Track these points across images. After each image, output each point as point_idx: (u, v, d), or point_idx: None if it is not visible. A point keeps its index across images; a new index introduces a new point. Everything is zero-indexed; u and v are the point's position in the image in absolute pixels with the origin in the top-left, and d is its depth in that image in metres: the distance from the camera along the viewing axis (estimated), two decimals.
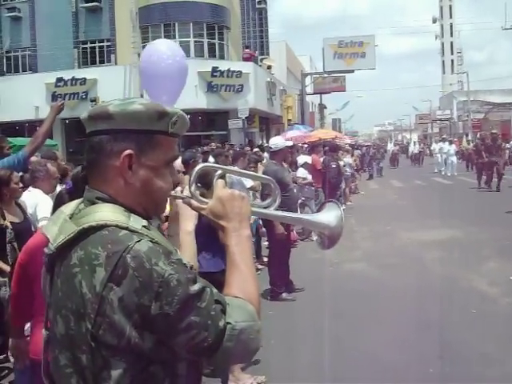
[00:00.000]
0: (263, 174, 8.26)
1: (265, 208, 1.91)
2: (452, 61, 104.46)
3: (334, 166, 11.88)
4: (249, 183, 8.33)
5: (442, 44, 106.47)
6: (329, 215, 1.95)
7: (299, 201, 9.95)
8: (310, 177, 11.43)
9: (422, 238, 11.26)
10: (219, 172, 1.81)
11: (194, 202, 1.77)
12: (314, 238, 2.08)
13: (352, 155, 20.68)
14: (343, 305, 7.08)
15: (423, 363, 5.20)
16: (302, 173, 11.33)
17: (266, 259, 8.90)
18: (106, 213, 1.49)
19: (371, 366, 5.28)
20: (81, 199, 1.60)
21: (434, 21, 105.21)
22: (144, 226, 1.49)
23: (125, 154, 1.51)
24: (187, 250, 2.06)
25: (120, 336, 1.39)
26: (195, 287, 1.42)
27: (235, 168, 2.21)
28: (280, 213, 2.01)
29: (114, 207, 1.51)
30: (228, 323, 1.44)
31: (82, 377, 1.43)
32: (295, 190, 8.01)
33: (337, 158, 12.63)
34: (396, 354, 5.44)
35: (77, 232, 1.47)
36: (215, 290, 1.48)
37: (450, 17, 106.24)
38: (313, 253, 10.19)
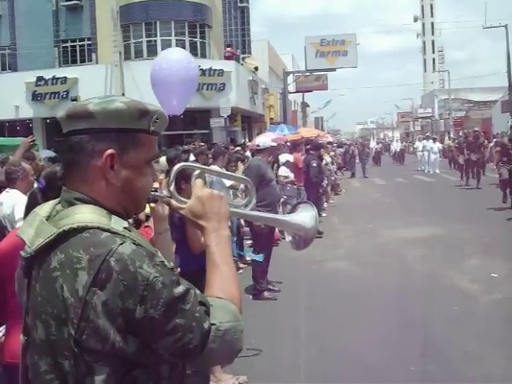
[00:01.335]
0: (246, 168, 8.30)
1: (242, 208, 1.89)
2: (433, 59, 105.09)
3: (314, 165, 11.86)
4: (228, 182, 8.32)
5: (424, 42, 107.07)
6: (304, 216, 1.92)
7: (281, 199, 9.91)
8: (292, 175, 11.42)
9: (405, 236, 11.29)
10: (197, 171, 1.78)
11: (173, 202, 1.75)
12: (288, 238, 2.05)
13: (329, 153, 20.66)
14: (325, 303, 7.09)
15: (405, 361, 5.20)
16: (284, 171, 11.32)
17: (248, 259, 8.87)
18: (87, 214, 1.45)
19: (353, 364, 5.27)
20: (56, 200, 1.56)
21: (416, 19, 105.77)
22: (125, 228, 1.47)
23: (107, 154, 1.48)
24: (163, 251, 2.03)
25: (104, 341, 1.36)
26: (179, 289, 1.41)
27: (214, 168, 2.19)
28: (257, 213, 1.99)
29: (94, 208, 1.48)
30: (212, 324, 1.43)
31: (64, 383, 1.39)
32: (278, 188, 8.02)
33: (319, 157, 12.62)
34: (378, 353, 5.44)
35: (56, 234, 1.43)
36: (198, 292, 1.47)
37: (432, 15, 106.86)
38: (296, 251, 10.18)
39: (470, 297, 7.14)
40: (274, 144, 8.25)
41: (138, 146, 1.54)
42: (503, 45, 39.96)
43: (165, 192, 1.80)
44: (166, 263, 1.45)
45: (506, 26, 39.98)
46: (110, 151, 1.48)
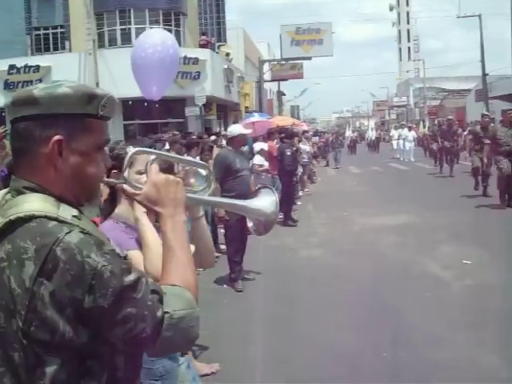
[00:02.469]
0: (214, 159, 8.26)
1: (201, 194, 1.87)
2: (409, 48, 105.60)
3: (289, 154, 11.84)
4: (204, 172, 8.25)
5: (399, 31, 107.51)
6: (264, 201, 1.91)
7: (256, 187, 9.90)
8: (266, 164, 11.41)
9: (379, 224, 11.36)
10: (153, 157, 1.75)
11: (127, 188, 1.71)
12: (249, 224, 2.03)
13: (310, 141, 20.67)
14: (299, 291, 7.11)
15: (377, 348, 5.23)
16: (258, 160, 11.29)
17: (223, 247, 8.84)
18: (35, 203, 1.42)
19: (325, 351, 5.29)
20: (6, 189, 1.52)
21: (391, 8, 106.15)
22: (74, 216, 1.43)
23: (54, 140, 1.44)
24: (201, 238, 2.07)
25: (53, 332, 1.33)
26: (130, 277, 1.38)
27: (170, 153, 2.14)
28: (215, 199, 1.97)
29: (42, 197, 1.44)
30: (166, 312, 1.41)
31: (15, 375, 1.36)
32: (248, 179, 7.89)
33: (293, 145, 12.60)
34: (350, 339, 5.47)
35: (3, 224, 1.39)
36: (151, 280, 1.44)
37: (407, 5, 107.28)
38: (271, 239, 10.17)
39: (442, 283, 7.19)
40: (245, 131, 8.12)
41: (87, 132, 1.49)
42: (477, 34, 40.24)
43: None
44: (116, 251, 1.42)
45: (479, 16, 40.20)
46: (57, 137, 1.44)
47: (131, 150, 1.75)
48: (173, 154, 2.08)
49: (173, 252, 1.57)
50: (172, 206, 1.64)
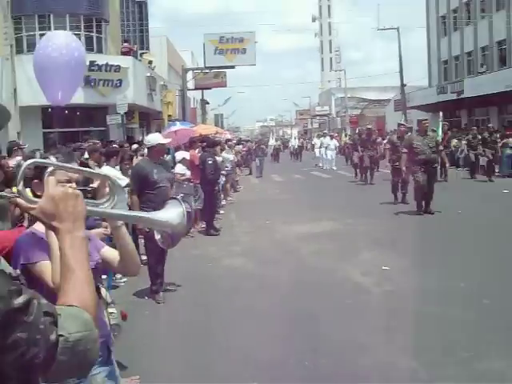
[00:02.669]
0: (131, 171, 8.08)
1: (104, 206, 1.79)
2: (331, 58, 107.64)
3: (210, 162, 11.78)
4: (123, 182, 8.09)
5: (321, 42, 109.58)
6: (170, 213, 1.85)
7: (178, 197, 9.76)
8: (188, 173, 11.30)
9: (301, 231, 11.44)
10: (51, 168, 1.66)
11: (21, 202, 1.61)
12: (157, 236, 1.98)
13: (233, 150, 20.68)
14: (221, 301, 7.05)
15: (299, 356, 5.24)
16: (180, 169, 11.17)
17: (144, 258, 8.67)
18: None
19: (247, 361, 5.25)
20: None
21: (314, 19, 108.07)
22: None
23: None
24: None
25: None
26: (19, 300, 1.25)
27: (69, 164, 2.03)
28: (119, 211, 1.89)
29: None
30: (60, 335, 1.30)
31: None
32: (168, 190, 7.73)
33: (215, 154, 12.55)
34: (272, 349, 5.45)
35: None
36: (44, 301, 1.32)
37: (329, 16, 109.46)
38: (193, 249, 10.11)
39: (362, 290, 7.30)
40: (164, 141, 7.92)
41: None
42: (396, 46, 41.38)
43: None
44: (4, 271, 1.32)
45: (397, 29, 41.42)
46: None
47: (25, 162, 1.65)
48: (71, 165, 1.98)
49: (71, 270, 1.47)
50: (70, 221, 1.54)
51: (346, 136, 41.28)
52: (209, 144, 12.51)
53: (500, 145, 23.00)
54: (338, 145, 33.88)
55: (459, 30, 43.60)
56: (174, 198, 1.93)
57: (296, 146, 45.19)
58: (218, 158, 12.96)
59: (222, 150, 16.10)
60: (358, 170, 22.58)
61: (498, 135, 24.34)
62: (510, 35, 37.16)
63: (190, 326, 6.08)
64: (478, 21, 40.67)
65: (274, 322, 6.23)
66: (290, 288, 7.40)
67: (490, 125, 25.75)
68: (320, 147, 32.69)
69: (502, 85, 31.44)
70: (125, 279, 7.77)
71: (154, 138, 7.78)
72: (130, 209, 7.17)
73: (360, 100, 71.10)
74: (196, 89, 43.92)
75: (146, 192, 7.27)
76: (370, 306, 6.65)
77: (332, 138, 33.76)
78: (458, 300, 6.63)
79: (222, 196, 15.25)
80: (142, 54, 32.35)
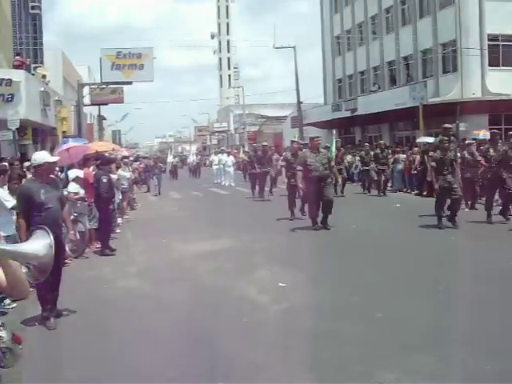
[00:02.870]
0: (17, 192, 7.68)
1: None
2: (229, 75, 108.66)
3: (105, 180, 11.49)
4: (10, 203, 7.74)
5: (220, 59, 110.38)
6: (36, 244, 1.74)
7: (71, 217, 9.44)
8: (82, 191, 10.98)
9: (199, 250, 11.34)
10: None
11: None
12: (24, 269, 1.86)
13: (130, 167, 20.32)
14: (116, 324, 6.85)
15: (195, 377, 5.16)
16: (73, 188, 10.83)
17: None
18: None
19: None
20: None
21: (213, 36, 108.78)
22: None
23: None
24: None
25: None
26: None
27: None
28: None
29: None
30: None
31: None
32: (66, 207, 7.44)
33: (110, 171, 12.28)
34: (169, 371, 5.33)
35: None
36: None
37: (228, 33, 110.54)
38: (88, 270, 9.82)
39: (259, 307, 7.28)
40: (51, 159, 7.53)
41: None
42: (293, 64, 42.29)
43: None
44: None
45: (294, 47, 42.31)
46: None
47: None
48: None
49: None
50: None
51: (243, 152, 41.62)
52: (103, 162, 12.20)
53: (391, 160, 23.87)
54: (234, 161, 34.11)
55: (352, 50, 45.11)
56: (41, 228, 1.81)
57: (194, 163, 45.12)
58: (113, 176, 12.68)
59: (117, 167, 15.80)
60: (255, 187, 22.75)
61: (390, 151, 25.28)
62: (399, 56, 38.80)
63: (84, 351, 5.85)
64: (369, 42, 42.22)
65: (171, 342, 6.11)
66: (186, 308, 7.29)
67: (381, 141, 26.67)
68: (218, 164, 32.79)
69: (392, 103, 32.73)
70: (14, 305, 7.39)
71: (40, 157, 7.39)
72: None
73: (258, 117, 72.08)
74: (92, 104, 43.04)
75: (33, 214, 6.93)
76: (267, 324, 6.64)
77: (229, 154, 33.95)
78: (352, 314, 6.75)
79: (118, 215, 14.92)
80: (35, 68, 31.38)
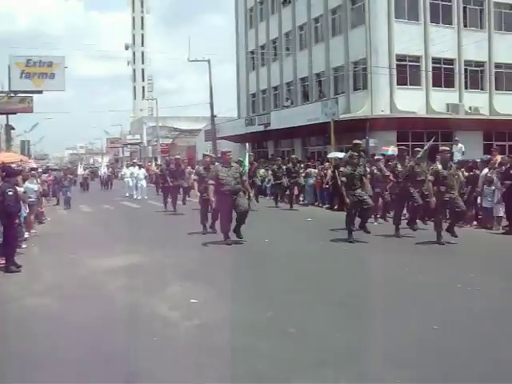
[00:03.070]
0: None
1: None
2: (143, 87, 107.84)
3: (10, 193, 11.03)
4: None
5: (134, 70, 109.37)
6: None
7: None
8: None
9: (109, 265, 11.05)
10: None
11: None
12: None
13: (39, 180, 19.66)
14: (21, 345, 6.52)
15: None
16: None
17: None
18: None
19: None
20: None
21: (127, 47, 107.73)
22: None
23: None
24: None
25: None
26: None
27: None
28: None
29: None
30: None
31: None
32: None
33: (16, 184, 11.81)
34: None
35: None
36: None
37: (142, 45, 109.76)
38: None
39: (170, 324, 7.14)
40: None
41: None
42: (208, 78, 42.35)
43: None
44: None
45: (208, 61, 42.40)
46: None
47: None
48: None
49: None
50: None
51: (155, 165, 41.26)
52: (9, 174, 11.72)
53: (303, 175, 24.24)
54: (147, 174, 33.75)
55: (266, 65, 45.65)
56: None
57: (106, 175, 44.31)
58: (19, 189, 12.22)
59: (24, 179, 15.26)
60: (167, 200, 22.54)
61: (302, 165, 25.68)
62: (311, 73, 39.57)
63: None
64: (283, 57, 42.87)
65: (79, 363, 5.87)
66: (95, 326, 7.05)
67: (293, 156, 27.05)
68: (130, 177, 32.34)
69: (304, 118, 33.33)
70: None
71: None
72: None
73: (171, 129, 71.76)
74: (0, 113, 41.58)
75: None
76: (178, 341, 6.53)
77: (141, 167, 33.56)
78: (265, 330, 6.72)
79: (25, 229, 14.37)
80: None
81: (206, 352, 6.04)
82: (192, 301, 8.19)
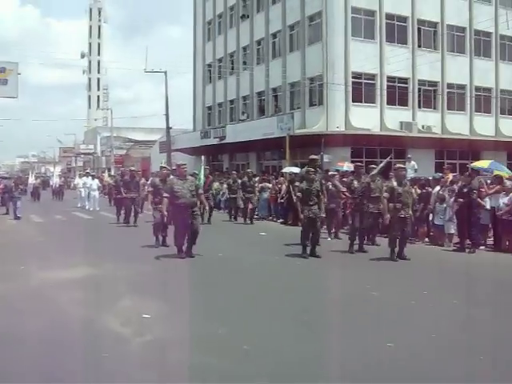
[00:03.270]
0: None
1: None
2: (98, 97, 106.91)
3: None
4: None
5: (89, 79, 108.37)
6: None
7: None
8: None
9: (60, 278, 10.77)
10: None
11: None
12: None
13: None
14: None
15: None
16: None
17: None
18: None
19: None
20: None
21: (83, 56, 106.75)
22: None
23: None
24: None
25: None
26: None
27: None
28: None
29: None
30: None
31: None
32: None
33: None
34: None
35: None
36: None
37: (98, 54, 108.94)
38: None
39: (121, 340, 6.96)
40: None
41: None
42: (164, 89, 42.14)
43: None
44: None
45: (165, 72, 42.21)
46: None
47: None
48: None
49: None
50: None
51: (109, 176, 40.78)
52: None
53: (258, 189, 24.23)
54: (100, 185, 33.31)
55: (223, 78, 45.70)
56: None
57: (57, 185, 43.52)
58: None
59: None
60: (120, 212, 22.24)
61: (257, 179, 25.68)
62: (268, 87, 39.76)
63: None
64: (240, 71, 42.99)
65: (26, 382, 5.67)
66: (44, 342, 6.82)
67: (249, 170, 27.04)
68: (82, 187, 31.83)
69: (260, 132, 33.42)
70: None
71: None
72: None
73: (126, 140, 71.23)
74: None
75: None
76: (130, 358, 6.36)
77: (94, 177, 33.12)
78: (218, 347, 6.61)
79: None
80: None
81: (159, 369, 5.92)
82: (144, 316, 8.02)
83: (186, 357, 6.23)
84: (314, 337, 7.07)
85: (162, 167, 17.05)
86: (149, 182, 21.41)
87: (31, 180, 42.59)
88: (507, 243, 14.94)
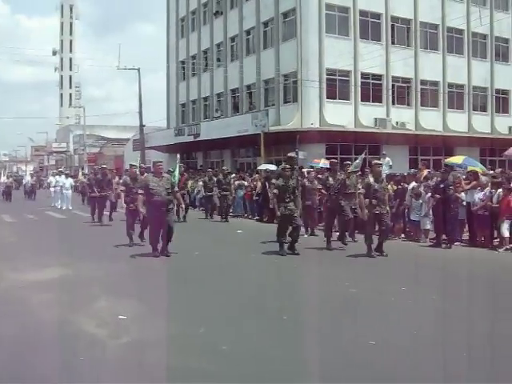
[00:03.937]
0: None
1: None
2: (70, 94, 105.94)
3: None
4: None
5: (61, 77, 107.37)
6: None
7: None
8: None
9: (32, 278, 10.52)
10: None
11: None
12: None
13: None
14: None
15: None
16: None
17: None
18: None
19: None
20: None
21: (54, 53, 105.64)
22: None
23: None
24: None
25: None
26: None
27: None
28: None
29: None
30: None
31: None
32: None
33: None
34: None
35: None
36: None
37: (70, 51, 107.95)
38: None
39: (97, 343, 6.78)
40: None
41: None
42: (137, 86, 41.81)
43: None
44: None
45: (138, 70, 41.89)
46: None
47: None
48: None
49: None
50: None
51: (83, 175, 40.36)
52: None
53: (234, 186, 24.10)
54: (73, 184, 32.94)
55: (197, 75, 45.46)
56: None
57: (30, 184, 42.94)
58: None
59: None
60: (94, 211, 21.94)
61: (232, 176, 25.55)
62: (242, 84, 39.63)
63: None
64: (214, 68, 42.79)
65: None
66: (15, 346, 6.62)
67: (224, 167, 26.90)
68: (55, 186, 31.43)
69: (234, 130, 33.30)
70: None
71: None
72: None
73: (99, 138, 70.68)
74: None
75: None
76: (106, 361, 6.18)
77: (67, 176, 32.74)
78: (196, 348, 6.47)
79: None
80: None
81: (136, 371, 5.77)
82: (120, 317, 7.84)
83: (165, 358, 6.08)
84: (295, 336, 6.96)
85: (131, 165, 16.85)
86: (121, 181, 21.18)
87: (3, 179, 42.00)
88: (482, 238, 15.02)
